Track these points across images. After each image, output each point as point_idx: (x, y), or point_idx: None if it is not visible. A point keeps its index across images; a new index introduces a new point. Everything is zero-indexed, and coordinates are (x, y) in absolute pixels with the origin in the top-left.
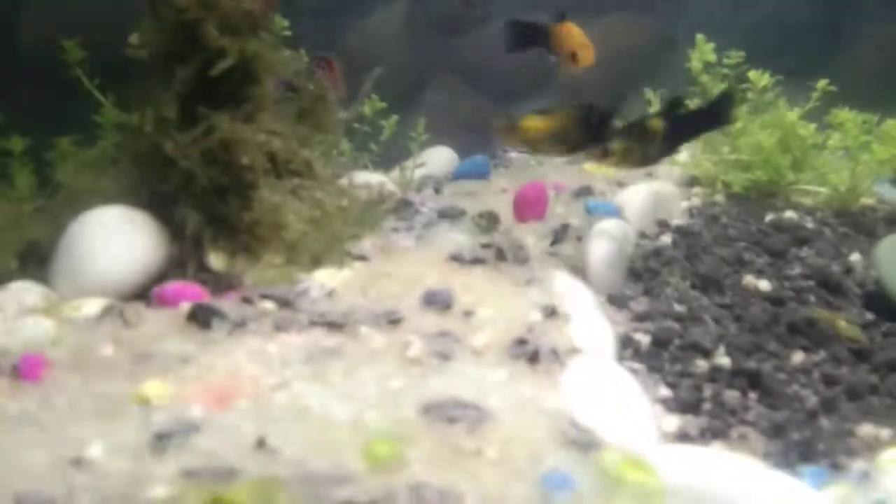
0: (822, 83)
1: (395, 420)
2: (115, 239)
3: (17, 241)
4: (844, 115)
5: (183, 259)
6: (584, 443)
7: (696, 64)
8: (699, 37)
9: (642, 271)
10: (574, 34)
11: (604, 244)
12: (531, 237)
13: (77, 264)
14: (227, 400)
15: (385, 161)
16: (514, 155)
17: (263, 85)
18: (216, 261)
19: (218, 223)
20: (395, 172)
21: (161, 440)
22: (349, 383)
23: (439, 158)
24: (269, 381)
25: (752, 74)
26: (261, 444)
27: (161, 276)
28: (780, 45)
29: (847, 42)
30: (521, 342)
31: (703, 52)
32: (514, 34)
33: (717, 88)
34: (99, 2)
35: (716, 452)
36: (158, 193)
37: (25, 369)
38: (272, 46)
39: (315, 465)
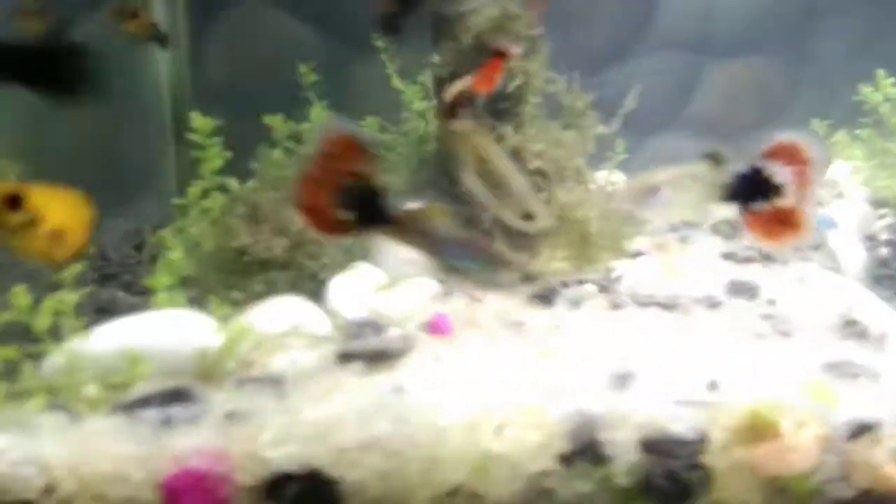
0: None
1: (808, 375)
2: None
3: None
4: None
5: None
6: None
7: (876, 97)
8: (879, 72)
9: (881, 277)
10: None
11: (853, 250)
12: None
13: (396, 248)
14: (626, 360)
15: None
16: None
17: (530, 104)
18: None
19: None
20: None
21: (621, 380)
22: (729, 349)
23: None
24: (656, 346)
25: None
26: (713, 385)
27: None
28: None
29: None
30: (851, 323)
31: (883, 86)
32: None
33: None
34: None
35: None
36: (446, 192)
37: (441, 326)
38: (542, 69)
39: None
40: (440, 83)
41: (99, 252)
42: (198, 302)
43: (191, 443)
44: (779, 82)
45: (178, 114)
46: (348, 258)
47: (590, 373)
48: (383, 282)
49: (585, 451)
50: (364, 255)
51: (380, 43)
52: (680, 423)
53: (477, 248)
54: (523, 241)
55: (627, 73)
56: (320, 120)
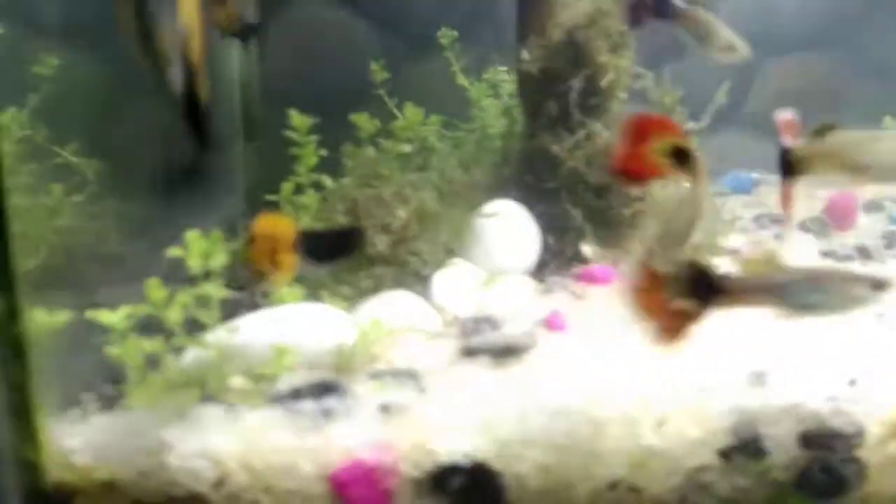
0: None
1: None
2: (516, 227)
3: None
4: None
5: (561, 248)
6: None
7: None
8: None
9: None
10: None
11: None
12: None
13: (489, 245)
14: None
15: None
16: (755, 175)
17: (617, 100)
18: (589, 250)
19: (594, 217)
20: None
21: (758, 376)
22: (852, 347)
23: None
24: (777, 342)
25: None
26: (853, 382)
27: (540, 263)
28: None
29: None
30: None
31: None
32: None
33: None
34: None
35: None
36: (533, 190)
37: (556, 323)
38: (630, 64)
39: None
40: (526, 80)
41: None
42: (308, 297)
43: (356, 435)
44: (844, 79)
45: (247, 111)
46: (447, 254)
47: (722, 369)
48: (481, 277)
49: (746, 445)
50: (461, 252)
51: (444, 39)
52: (839, 418)
53: (822, 277)
54: (612, 237)
55: (685, 69)
56: (414, 117)
